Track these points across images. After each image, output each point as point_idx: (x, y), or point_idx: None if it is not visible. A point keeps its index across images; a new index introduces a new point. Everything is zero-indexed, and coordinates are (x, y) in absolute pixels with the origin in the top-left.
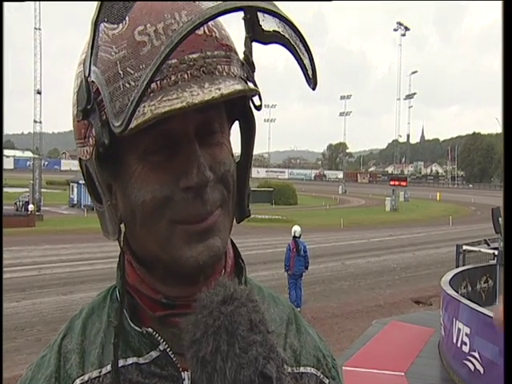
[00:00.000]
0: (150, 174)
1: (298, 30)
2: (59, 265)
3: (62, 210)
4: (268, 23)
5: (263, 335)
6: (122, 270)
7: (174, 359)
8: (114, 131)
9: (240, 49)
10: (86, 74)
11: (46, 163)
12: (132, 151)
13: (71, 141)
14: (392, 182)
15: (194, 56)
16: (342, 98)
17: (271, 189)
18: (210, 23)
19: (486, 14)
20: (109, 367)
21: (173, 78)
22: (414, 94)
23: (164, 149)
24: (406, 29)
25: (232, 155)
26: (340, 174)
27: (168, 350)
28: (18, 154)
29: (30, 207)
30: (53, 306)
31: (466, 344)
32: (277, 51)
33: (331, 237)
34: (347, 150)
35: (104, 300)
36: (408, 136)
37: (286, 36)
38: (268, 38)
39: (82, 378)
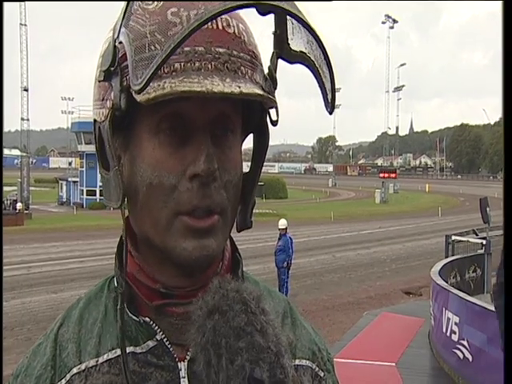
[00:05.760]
0: (159, 156)
1: (324, 48)
2: (49, 263)
3: (50, 207)
4: (296, 42)
5: (250, 337)
6: (121, 257)
7: (171, 349)
8: (134, 89)
9: (265, 63)
10: (115, 36)
11: (34, 161)
12: (145, 123)
13: (60, 138)
14: (381, 175)
15: (221, 50)
16: None
17: (261, 183)
18: (240, 27)
19: (462, 11)
20: (105, 356)
21: (197, 63)
22: (403, 86)
23: (177, 130)
24: (394, 21)
25: (241, 164)
26: (330, 167)
27: (165, 339)
28: (5, 151)
29: (19, 206)
30: (43, 305)
31: (455, 333)
32: (261, 47)
33: (322, 230)
34: (337, 143)
35: (101, 290)
36: (397, 128)
37: (312, 58)
38: (294, 58)
39: (78, 366)
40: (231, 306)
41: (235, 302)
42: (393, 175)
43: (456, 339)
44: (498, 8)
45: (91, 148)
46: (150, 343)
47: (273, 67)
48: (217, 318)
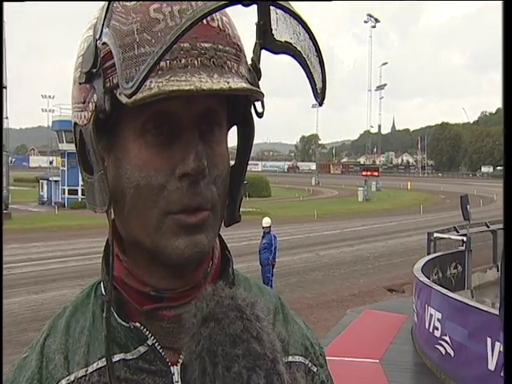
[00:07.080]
0: (146, 157)
1: (314, 39)
2: (29, 263)
3: (31, 207)
4: (281, 33)
5: (247, 344)
6: (108, 262)
7: (163, 354)
8: (124, 93)
9: (248, 54)
10: (97, 37)
11: (14, 160)
12: (131, 124)
13: (40, 137)
14: (364, 173)
15: (206, 45)
16: None
17: (245, 181)
18: (224, 20)
19: (440, 11)
20: (95, 365)
21: (183, 60)
22: (385, 84)
23: (163, 129)
24: (377, 20)
25: (228, 158)
26: (313, 166)
27: (156, 344)
28: None
29: None
30: (23, 306)
31: (437, 329)
32: (248, 45)
33: (305, 228)
34: (320, 142)
35: (88, 296)
36: (379, 127)
37: (298, 48)
38: (279, 48)
39: (67, 378)
40: (226, 313)
41: (230, 309)
42: (375, 173)
43: (438, 335)
44: (473, 10)
45: (72, 147)
46: (142, 349)
47: (256, 58)
48: (212, 326)
